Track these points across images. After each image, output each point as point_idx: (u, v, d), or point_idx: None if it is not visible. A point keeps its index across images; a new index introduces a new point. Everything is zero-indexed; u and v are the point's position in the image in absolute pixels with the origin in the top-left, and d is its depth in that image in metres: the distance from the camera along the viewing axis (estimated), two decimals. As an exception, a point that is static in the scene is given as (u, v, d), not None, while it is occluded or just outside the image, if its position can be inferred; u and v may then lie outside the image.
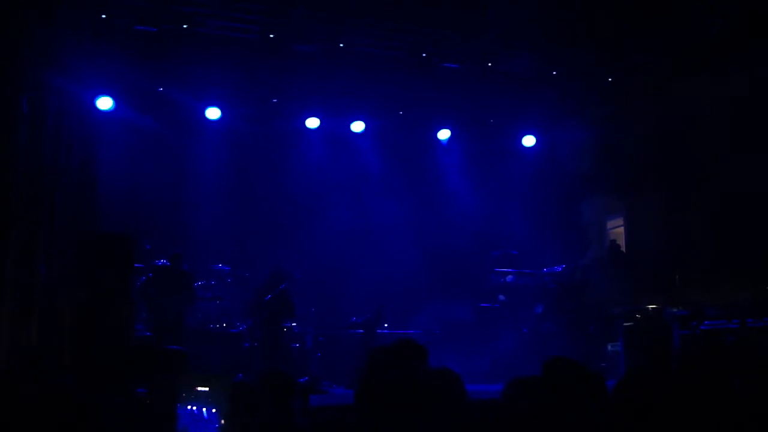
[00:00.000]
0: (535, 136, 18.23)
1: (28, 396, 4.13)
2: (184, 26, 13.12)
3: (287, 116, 16.73)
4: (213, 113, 15.85)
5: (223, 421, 5.01)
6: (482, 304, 15.96)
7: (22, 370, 7.81)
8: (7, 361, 8.70)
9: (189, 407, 5.17)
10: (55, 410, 4.01)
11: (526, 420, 3.79)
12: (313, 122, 16.73)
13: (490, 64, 15.07)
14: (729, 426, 3.20)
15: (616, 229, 16.99)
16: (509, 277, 16.47)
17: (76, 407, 4.13)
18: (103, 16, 12.57)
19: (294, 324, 14.06)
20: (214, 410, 5.04)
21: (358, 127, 17.12)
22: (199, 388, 5.15)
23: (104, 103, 14.50)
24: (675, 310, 13.02)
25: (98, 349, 9.18)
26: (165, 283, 12.68)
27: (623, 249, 15.98)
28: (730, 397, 3.13)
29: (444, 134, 17.78)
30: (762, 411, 3.97)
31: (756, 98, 13.04)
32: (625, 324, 13.28)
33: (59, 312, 9.96)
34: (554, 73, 15.38)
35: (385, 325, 14.85)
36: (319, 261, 15.37)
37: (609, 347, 14.02)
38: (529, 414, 3.78)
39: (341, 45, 14.10)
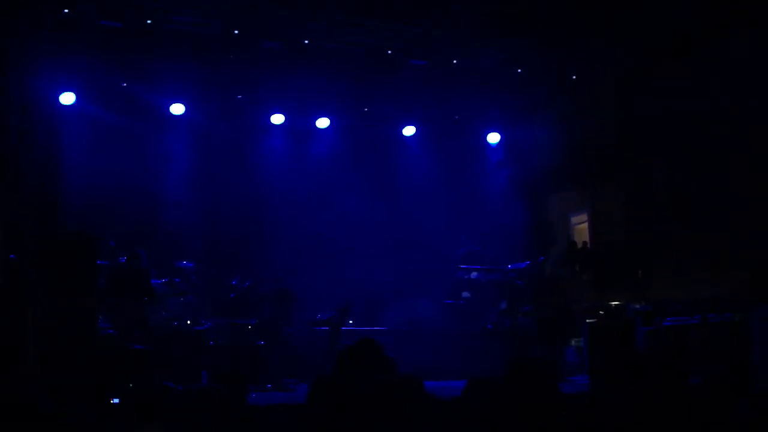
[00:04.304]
0: (500, 133, 18.31)
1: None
2: (148, 21, 13.02)
3: (252, 112, 16.69)
4: (177, 109, 15.74)
5: None
6: (447, 301, 16.00)
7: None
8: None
9: None
10: (22, 422, 3.94)
11: (484, 419, 3.82)
12: (278, 118, 16.67)
13: (455, 61, 15.10)
14: (689, 423, 3.26)
15: (580, 225, 17.08)
16: (474, 274, 16.51)
17: (45, 419, 4.06)
18: (66, 11, 12.43)
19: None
20: None
21: (323, 123, 17.09)
22: None
23: (67, 98, 14.38)
24: (638, 306, 13.14)
25: (63, 350, 9.08)
26: (122, 281, 12.55)
27: (588, 245, 16.07)
28: (690, 396, 3.19)
29: (409, 131, 17.81)
30: (720, 407, 4.05)
31: (716, 93, 13.20)
32: (588, 321, 13.38)
33: (21, 312, 9.85)
34: (519, 70, 15.46)
35: (350, 322, 14.81)
36: (283, 257, 15.28)
37: (573, 343, 14.12)
38: (487, 414, 3.81)
39: (306, 41, 14.05)
